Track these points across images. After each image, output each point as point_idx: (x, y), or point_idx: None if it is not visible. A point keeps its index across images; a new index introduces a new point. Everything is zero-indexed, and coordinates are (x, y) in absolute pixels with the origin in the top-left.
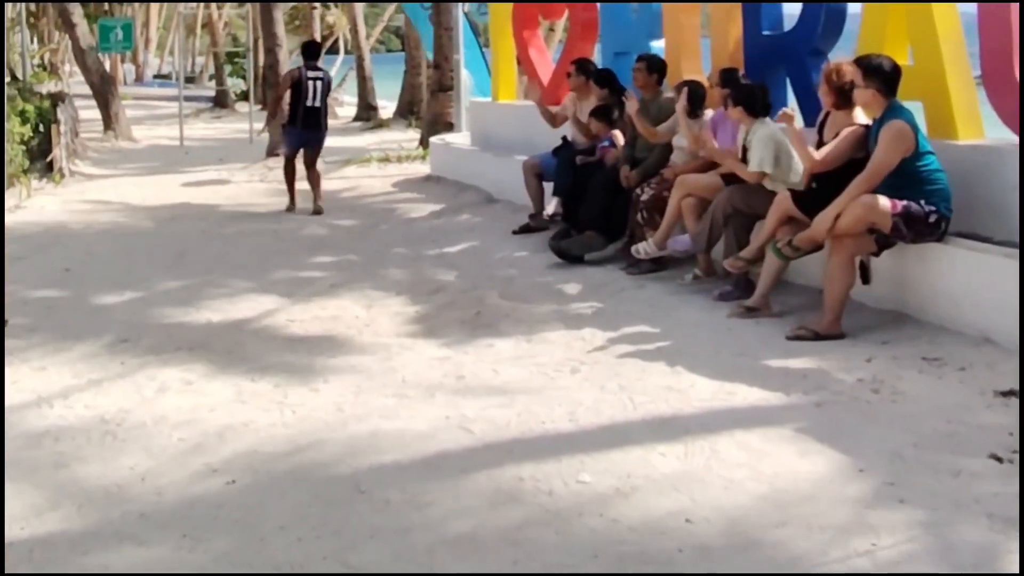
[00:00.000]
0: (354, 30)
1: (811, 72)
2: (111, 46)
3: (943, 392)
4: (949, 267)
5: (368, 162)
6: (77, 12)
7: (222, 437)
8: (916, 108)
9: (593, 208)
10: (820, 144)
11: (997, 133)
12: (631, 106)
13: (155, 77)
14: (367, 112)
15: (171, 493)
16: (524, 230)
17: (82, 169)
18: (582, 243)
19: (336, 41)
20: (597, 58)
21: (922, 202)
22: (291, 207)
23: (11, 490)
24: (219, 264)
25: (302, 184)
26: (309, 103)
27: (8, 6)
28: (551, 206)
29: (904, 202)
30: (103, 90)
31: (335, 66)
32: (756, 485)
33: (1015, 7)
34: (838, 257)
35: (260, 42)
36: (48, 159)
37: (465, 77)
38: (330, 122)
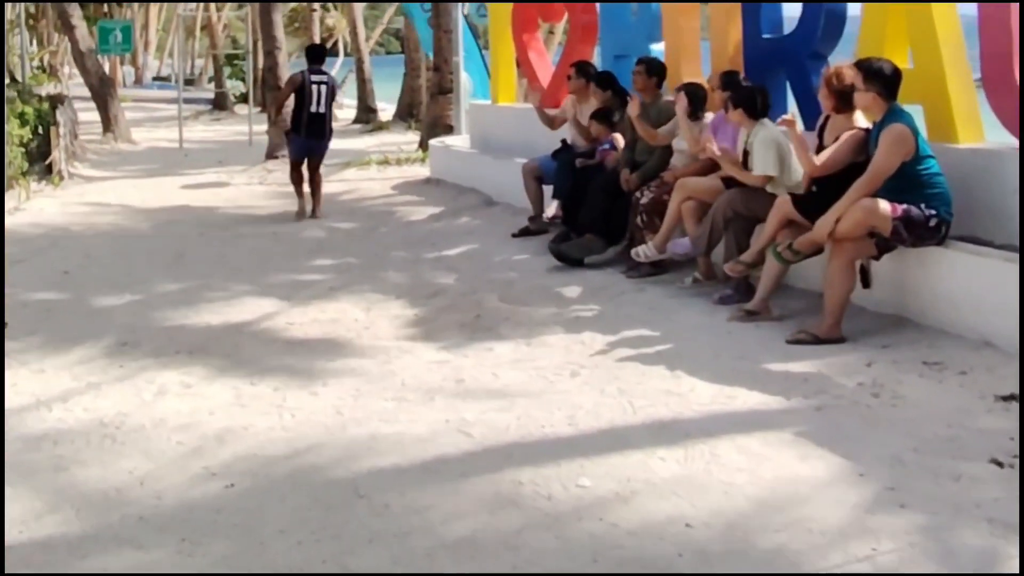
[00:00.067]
0: (353, 32)
1: (811, 75)
2: (110, 48)
3: (944, 396)
4: (949, 271)
5: (367, 165)
6: (76, 14)
7: (221, 440)
8: (916, 111)
9: (593, 211)
10: (820, 148)
11: (997, 136)
12: (633, 108)
13: (154, 79)
14: (366, 114)
15: (170, 497)
16: (523, 233)
17: (81, 171)
18: (582, 246)
19: (336, 43)
20: (597, 61)
21: (922, 206)
22: (302, 213)
23: (10, 493)
24: (218, 267)
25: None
26: (313, 109)
27: (7, 8)
28: (551, 209)
29: (904, 206)
30: (102, 92)
31: (335, 68)
32: (756, 489)
33: (1015, 9)
34: (838, 261)
35: (259, 44)
36: (47, 161)
37: (465, 80)
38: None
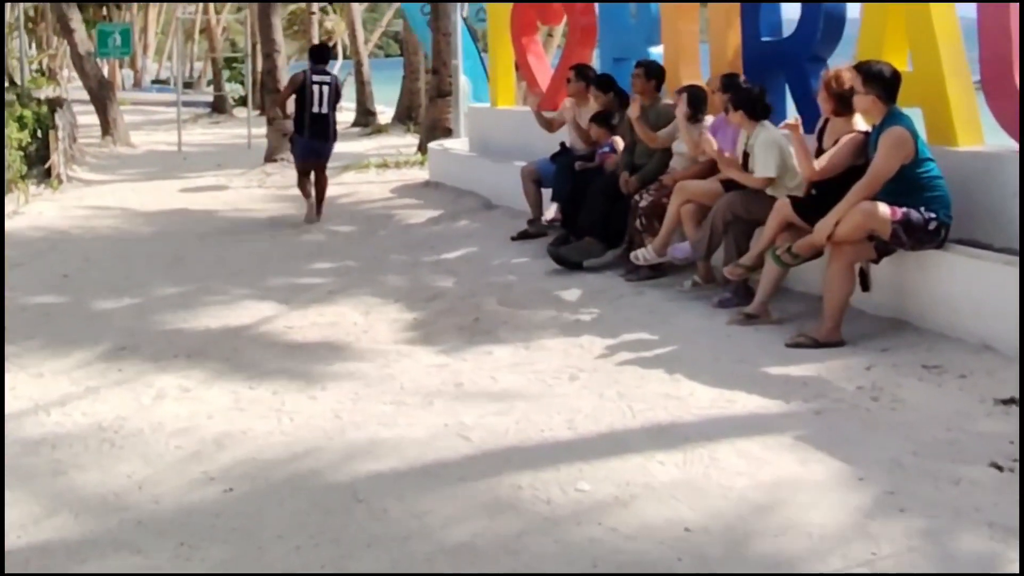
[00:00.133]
0: (352, 35)
1: (810, 78)
2: (109, 51)
3: (943, 400)
4: (949, 274)
5: (366, 168)
6: (76, 17)
7: (220, 445)
8: (915, 114)
9: (592, 214)
10: (819, 151)
11: (997, 139)
12: (633, 109)
13: (153, 82)
14: (365, 117)
15: (168, 501)
16: (522, 236)
17: (80, 175)
18: (581, 249)
19: (335, 46)
20: (595, 64)
21: (922, 209)
22: (310, 218)
23: (9, 498)
24: (217, 270)
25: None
26: (315, 109)
27: (7, 11)
28: (549, 212)
29: (904, 209)
30: (101, 95)
31: (334, 71)
32: (755, 494)
33: (1015, 11)
34: (838, 264)
35: (258, 47)
36: (46, 165)
37: (464, 83)
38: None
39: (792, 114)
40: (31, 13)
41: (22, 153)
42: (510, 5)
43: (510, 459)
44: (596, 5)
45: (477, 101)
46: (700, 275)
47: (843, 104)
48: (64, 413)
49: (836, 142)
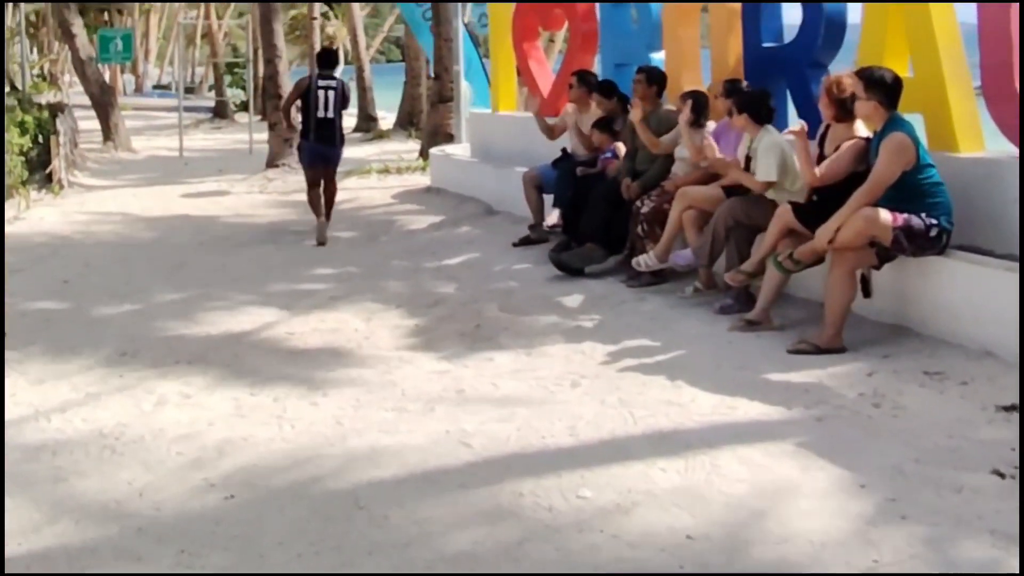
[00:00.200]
0: (354, 40)
1: (811, 84)
2: (111, 57)
3: (945, 406)
4: (950, 280)
5: (368, 173)
6: (77, 23)
7: (221, 451)
8: (916, 120)
9: (594, 220)
10: (821, 157)
11: (998, 145)
12: (636, 113)
13: (155, 87)
14: (367, 123)
15: (169, 508)
16: (524, 242)
17: (81, 180)
18: (582, 255)
19: (337, 51)
20: (597, 69)
21: (923, 215)
22: (322, 240)
23: (9, 505)
24: (218, 276)
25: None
26: (320, 114)
27: (8, 16)
28: (551, 217)
29: (905, 215)
30: (102, 101)
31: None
32: (757, 501)
33: (1015, 16)
34: (839, 270)
35: (260, 53)
36: (47, 170)
37: (465, 88)
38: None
39: (793, 119)
40: (32, 18)
41: (23, 158)
42: (512, 8)
43: (511, 466)
44: (598, 11)
45: (478, 107)
46: (701, 281)
47: (844, 110)
48: (65, 419)
49: (837, 148)
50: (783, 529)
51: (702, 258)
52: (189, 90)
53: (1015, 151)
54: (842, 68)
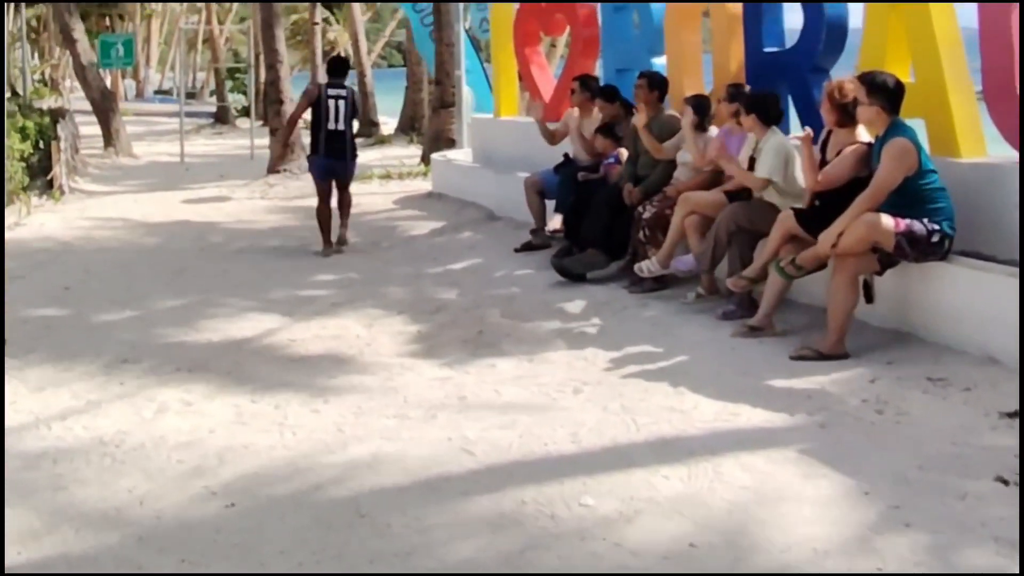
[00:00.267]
0: (355, 45)
1: (812, 89)
2: (112, 62)
3: (948, 413)
4: (952, 286)
5: (369, 179)
6: (78, 28)
7: (222, 459)
8: (918, 125)
9: (596, 226)
10: (823, 162)
11: (1000, 150)
12: (640, 118)
13: (156, 93)
14: (368, 128)
15: (170, 516)
16: (526, 248)
17: (82, 186)
18: (584, 261)
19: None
20: (599, 74)
21: (925, 221)
22: (328, 251)
23: (8, 513)
24: (219, 282)
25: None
26: (331, 126)
27: (10, 21)
28: (553, 223)
29: (907, 221)
30: (104, 106)
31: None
32: (760, 508)
33: (1015, 19)
34: (841, 276)
35: (261, 58)
36: (48, 176)
37: (467, 93)
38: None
39: (794, 124)
40: (34, 23)
41: (24, 164)
42: (513, 12)
43: (514, 474)
44: (599, 16)
45: (480, 112)
46: (704, 287)
47: (846, 115)
48: (65, 427)
49: (839, 153)
50: (786, 536)
51: (704, 263)
52: (190, 95)
53: (1017, 155)
54: (843, 73)
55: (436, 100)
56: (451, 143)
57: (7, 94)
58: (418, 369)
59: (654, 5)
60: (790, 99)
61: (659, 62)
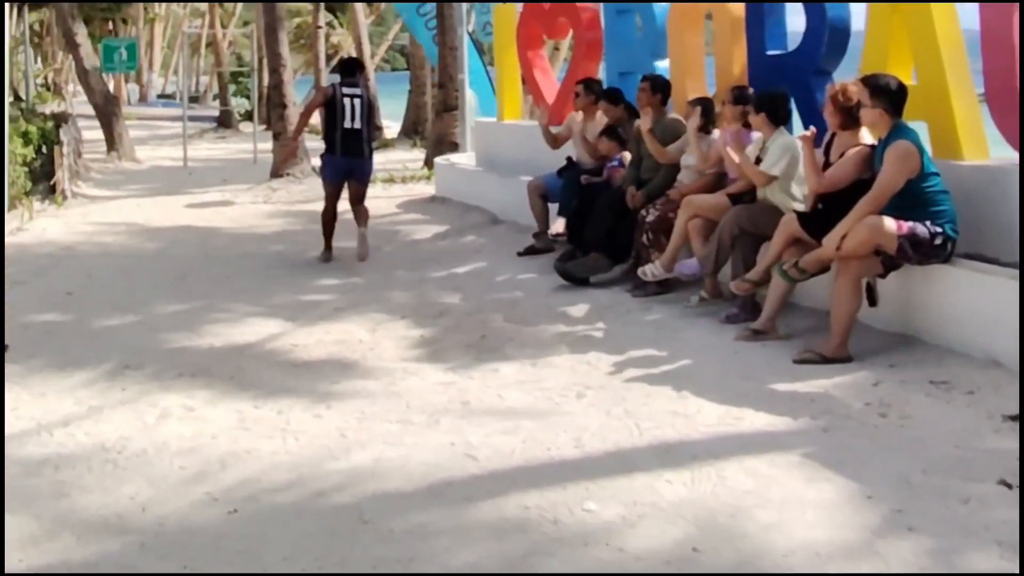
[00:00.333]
0: (359, 49)
1: (815, 92)
2: (115, 66)
3: (951, 416)
4: (955, 289)
5: (372, 183)
6: (81, 32)
7: (224, 465)
8: (920, 128)
9: (599, 229)
10: (827, 165)
11: (1002, 152)
12: (644, 121)
13: (159, 97)
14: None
15: (172, 523)
16: (529, 252)
17: (85, 191)
18: (587, 265)
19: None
20: (601, 78)
21: (928, 223)
22: (327, 256)
23: (9, 520)
24: (222, 287)
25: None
26: (347, 125)
27: (13, 25)
28: (556, 226)
29: (910, 224)
30: (106, 110)
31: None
32: (763, 512)
33: (1015, 20)
34: (844, 279)
35: (264, 62)
36: (51, 181)
37: (470, 97)
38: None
39: (797, 127)
40: (37, 27)
41: (27, 169)
42: (516, 16)
43: (516, 479)
44: (602, 19)
45: (483, 115)
46: (707, 290)
47: (850, 118)
48: (67, 433)
49: (842, 155)
50: (789, 541)
51: (708, 267)
52: (193, 99)
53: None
54: (846, 76)
55: (439, 104)
56: (454, 147)
57: (10, 98)
58: (421, 374)
59: (657, 8)
60: (793, 102)
61: (662, 65)
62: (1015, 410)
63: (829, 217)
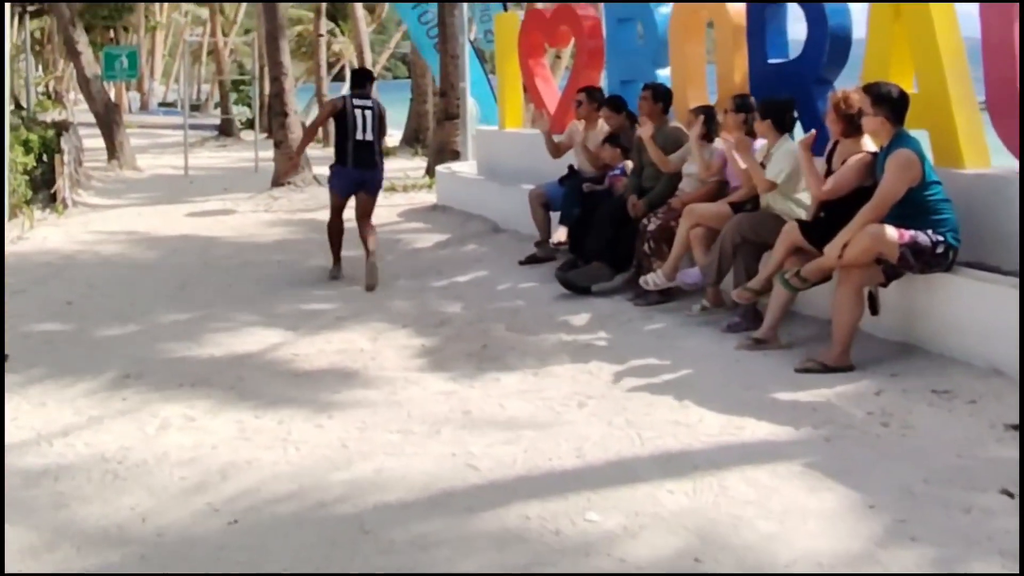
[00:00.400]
0: (360, 57)
1: (817, 101)
2: (116, 74)
3: (953, 425)
4: (957, 298)
5: None
6: (82, 40)
7: (224, 475)
8: (921, 136)
9: (600, 238)
10: (829, 173)
11: (1003, 161)
12: (646, 130)
13: (160, 105)
14: None
15: (172, 534)
16: (530, 260)
17: (85, 199)
18: (589, 274)
19: (342, 68)
20: (603, 86)
21: (929, 232)
22: (336, 272)
23: (9, 531)
24: (223, 297)
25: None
26: (359, 136)
27: (13, 32)
28: (557, 235)
29: (911, 232)
30: (107, 119)
31: (341, 93)
32: (765, 523)
33: (1015, 28)
34: (846, 288)
35: (266, 70)
36: (52, 190)
37: (471, 105)
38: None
39: (798, 135)
40: (38, 35)
41: (27, 177)
42: (518, 24)
43: (518, 489)
44: (603, 27)
45: (485, 124)
46: (709, 299)
47: (852, 125)
48: (67, 444)
49: (845, 163)
50: (791, 551)
51: (710, 276)
52: (195, 108)
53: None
54: (847, 84)
55: (441, 112)
56: (456, 155)
57: (11, 107)
58: (423, 383)
59: (658, 16)
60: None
61: (663, 74)
62: (1017, 419)
63: (831, 226)
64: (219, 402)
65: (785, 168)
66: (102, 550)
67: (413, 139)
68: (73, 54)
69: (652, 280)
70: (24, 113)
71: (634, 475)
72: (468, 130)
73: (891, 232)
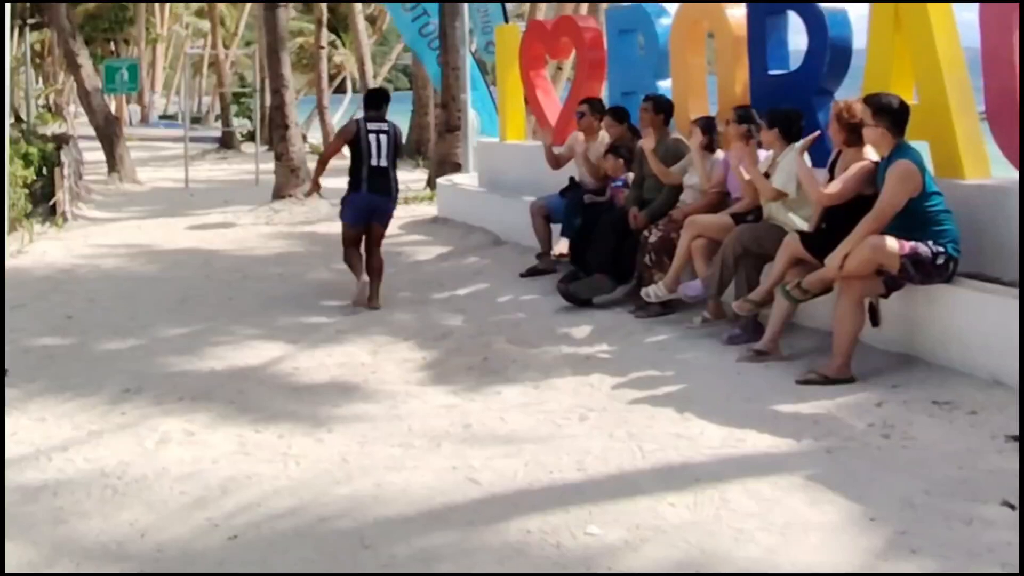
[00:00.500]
0: (361, 69)
1: (817, 111)
2: (116, 87)
3: (954, 437)
4: (957, 308)
5: None
6: (83, 53)
7: (224, 490)
8: (921, 147)
9: (601, 250)
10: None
11: (1004, 171)
12: (648, 142)
13: (161, 118)
14: None
15: (172, 549)
16: (531, 273)
17: (85, 213)
18: (590, 286)
19: (344, 80)
20: (604, 98)
21: (930, 243)
22: (362, 300)
23: (8, 547)
24: (223, 310)
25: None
26: (374, 162)
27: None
28: (559, 247)
29: (912, 243)
30: (107, 132)
31: (343, 105)
32: (766, 536)
33: (1015, 38)
34: (847, 299)
35: (267, 82)
36: (51, 203)
37: (472, 117)
38: (334, 161)
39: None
40: (38, 48)
41: (27, 191)
42: (519, 36)
43: (519, 503)
44: (605, 39)
45: (486, 136)
46: (710, 311)
47: (854, 135)
48: (66, 458)
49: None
50: (793, 564)
51: (711, 287)
52: (195, 120)
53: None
54: (848, 95)
55: (442, 124)
56: (457, 167)
57: (11, 119)
58: (423, 397)
59: (659, 28)
60: None
61: (664, 85)
62: (1018, 430)
63: (831, 237)
64: (219, 416)
65: (792, 178)
66: (101, 566)
67: (414, 151)
68: (73, 67)
69: (653, 292)
70: (24, 126)
71: (635, 488)
72: (469, 142)
73: (892, 243)
